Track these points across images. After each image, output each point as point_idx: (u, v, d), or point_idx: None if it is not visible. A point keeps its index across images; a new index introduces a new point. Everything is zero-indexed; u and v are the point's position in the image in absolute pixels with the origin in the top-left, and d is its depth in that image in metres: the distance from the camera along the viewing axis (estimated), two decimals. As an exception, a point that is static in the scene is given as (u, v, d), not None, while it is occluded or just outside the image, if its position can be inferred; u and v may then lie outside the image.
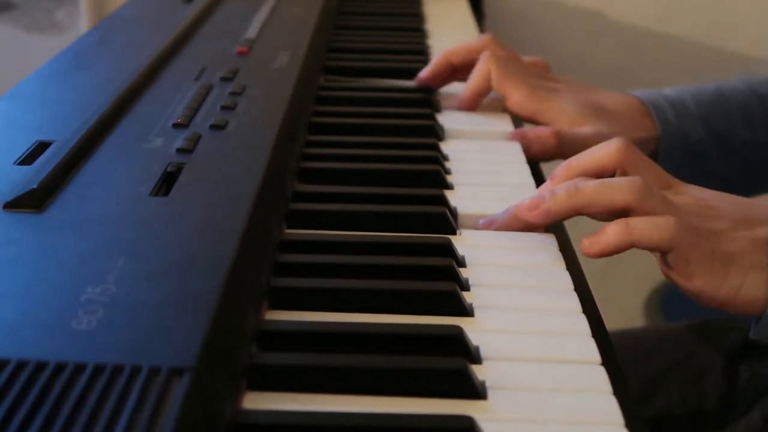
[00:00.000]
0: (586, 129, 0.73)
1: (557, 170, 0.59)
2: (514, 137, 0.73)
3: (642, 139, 0.77)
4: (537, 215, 0.55)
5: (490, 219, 0.58)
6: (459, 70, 0.80)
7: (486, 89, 0.77)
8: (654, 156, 0.77)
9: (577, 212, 0.55)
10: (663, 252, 0.53)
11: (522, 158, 0.70)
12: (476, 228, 0.58)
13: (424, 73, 0.81)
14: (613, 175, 0.58)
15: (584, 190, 0.54)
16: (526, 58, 0.82)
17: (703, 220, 0.55)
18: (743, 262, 0.54)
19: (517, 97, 0.75)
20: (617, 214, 0.54)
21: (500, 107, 0.80)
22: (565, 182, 0.56)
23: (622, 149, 0.58)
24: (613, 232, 0.52)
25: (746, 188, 0.83)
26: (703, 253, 0.53)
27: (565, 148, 0.72)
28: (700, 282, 0.53)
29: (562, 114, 0.75)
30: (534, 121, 0.76)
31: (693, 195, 0.58)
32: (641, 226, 0.52)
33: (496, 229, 0.57)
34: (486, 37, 0.80)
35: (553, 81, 0.80)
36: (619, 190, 0.54)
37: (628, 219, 0.53)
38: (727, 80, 0.85)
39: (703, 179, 0.79)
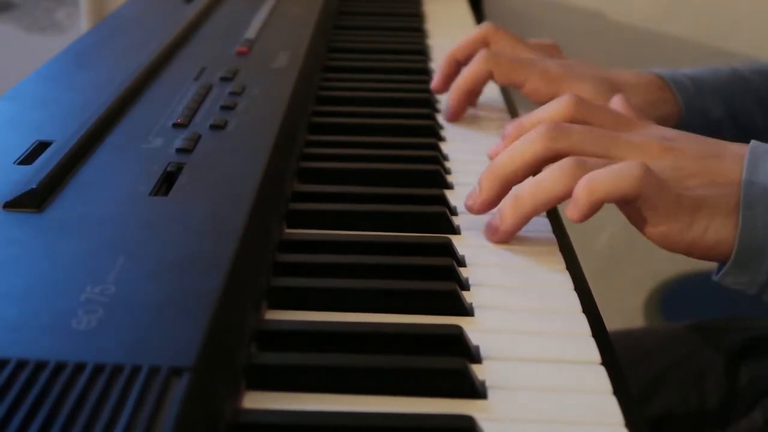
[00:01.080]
0: None
1: (508, 128, 0.60)
2: (511, 130, 0.72)
3: (662, 115, 0.75)
4: (500, 238, 0.56)
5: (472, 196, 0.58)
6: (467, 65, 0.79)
7: (478, 87, 0.75)
8: None
9: (529, 218, 0.55)
10: (630, 201, 0.52)
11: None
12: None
13: (436, 82, 0.79)
14: None
15: (523, 197, 0.54)
16: (534, 40, 0.81)
17: (669, 162, 0.54)
18: (710, 205, 0.52)
19: (530, 85, 0.73)
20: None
21: (500, 107, 0.80)
22: (504, 199, 0.56)
23: (572, 102, 0.58)
24: (578, 194, 0.51)
25: None
26: (670, 199, 0.52)
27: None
28: (665, 228, 0.52)
29: (578, 92, 0.73)
30: None
31: (657, 135, 0.57)
32: (604, 180, 0.51)
33: (481, 207, 0.58)
34: (486, 26, 0.79)
35: (563, 59, 0.78)
36: (552, 182, 0.53)
37: (591, 175, 0.52)
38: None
39: None
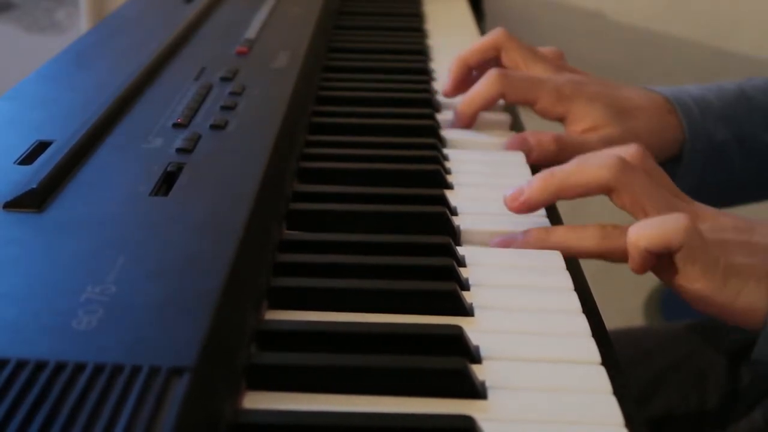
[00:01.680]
0: (593, 136, 0.72)
1: (540, 176, 0.59)
2: (514, 143, 0.71)
3: (667, 139, 0.76)
4: (518, 206, 0.56)
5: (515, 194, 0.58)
6: (478, 70, 0.78)
7: (486, 107, 0.74)
8: (676, 158, 0.76)
9: (558, 196, 0.56)
10: (672, 251, 0.52)
11: (522, 158, 0.70)
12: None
13: (448, 86, 0.79)
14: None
15: (556, 173, 0.56)
16: (541, 49, 0.81)
17: (707, 227, 0.55)
18: (743, 272, 0.53)
19: (541, 104, 0.73)
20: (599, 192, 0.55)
21: (500, 106, 0.80)
22: (539, 173, 0.57)
23: (639, 156, 0.58)
24: (629, 243, 0.53)
25: (759, 194, 0.82)
26: (710, 257, 0.53)
27: (567, 153, 0.71)
28: (700, 285, 0.53)
29: (588, 116, 0.73)
30: (561, 122, 0.75)
31: (698, 212, 0.58)
32: (650, 226, 0.52)
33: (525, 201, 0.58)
34: (498, 32, 0.78)
35: (571, 71, 0.78)
36: (596, 171, 0.55)
37: (638, 224, 0.53)
38: (737, 79, 0.84)
39: (721, 184, 0.78)
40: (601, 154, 0.58)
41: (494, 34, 0.78)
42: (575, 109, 0.73)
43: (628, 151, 0.59)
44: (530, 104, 0.74)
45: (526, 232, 0.56)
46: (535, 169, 0.68)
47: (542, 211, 0.59)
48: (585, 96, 0.73)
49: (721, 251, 0.54)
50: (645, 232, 0.52)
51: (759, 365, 0.55)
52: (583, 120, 0.73)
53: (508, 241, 0.56)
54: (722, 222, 0.57)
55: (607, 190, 0.56)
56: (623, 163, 0.56)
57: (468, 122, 0.75)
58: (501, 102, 0.81)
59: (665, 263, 0.53)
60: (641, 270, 0.53)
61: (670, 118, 0.76)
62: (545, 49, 0.81)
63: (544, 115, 0.74)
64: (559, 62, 0.79)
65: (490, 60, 0.77)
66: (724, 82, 0.83)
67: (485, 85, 0.73)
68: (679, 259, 0.52)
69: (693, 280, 0.53)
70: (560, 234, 0.56)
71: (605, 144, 0.72)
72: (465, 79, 0.78)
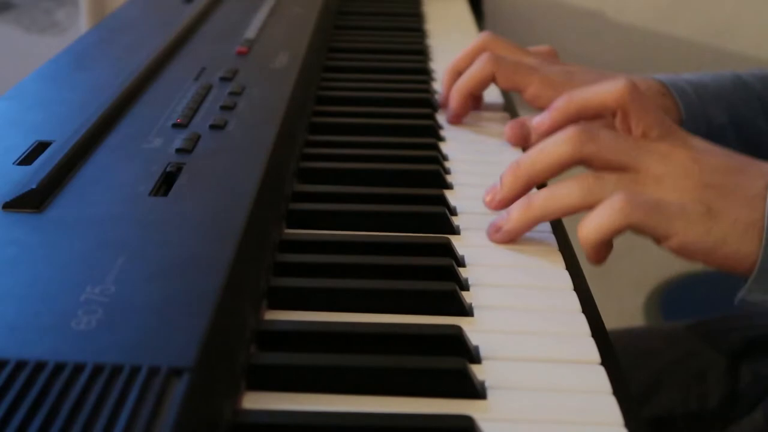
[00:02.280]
0: None
1: (557, 102, 0.60)
2: (512, 127, 0.71)
3: None
4: (499, 238, 0.57)
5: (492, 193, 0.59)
6: None
7: (480, 90, 0.75)
8: None
9: (535, 224, 0.56)
10: (630, 230, 0.53)
11: (522, 158, 0.70)
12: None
13: (442, 96, 0.79)
14: (614, 116, 0.59)
15: (534, 204, 0.55)
16: (532, 48, 0.81)
17: (691, 172, 0.55)
18: (729, 214, 0.53)
19: (532, 89, 0.73)
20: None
21: (500, 107, 0.80)
22: (517, 201, 0.57)
23: (628, 89, 0.58)
24: (581, 242, 0.54)
25: None
26: (670, 213, 0.52)
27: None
28: (677, 239, 0.52)
29: None
30: None
31: (689, 145, 0.57)
32: (592, 224, 0.53)
33: (501, 202, 0.58)
34: (484, 35, 0.79)
35: (564, 65, 0.78)
36: (567, 194, 0.54)
37: (582, 224, 0.53)
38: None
39: None
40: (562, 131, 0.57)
41: (481, 38, 0.79)
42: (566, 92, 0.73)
43: (614, 90, 0.59)
44: (521, 90, 0.74)
45: (508, 216, 0.56)
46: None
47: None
48: (576, 82, 0.74)
49: (699, 197, 0.53)
50: (588, 230, 0.53)
51: (744, 304, 0.55)
52: None
53: (497, 226, 0.57)
54: (710, 161, 0.56)
55: (577, 163, 0.56)
56: (581, 132, 0.55)
57: (461, 106, 0.75)
58: (501, 105, 0.81)
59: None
60: (597, 262, 0.54)
61: (665, 101, 0.76)
62: (539, 48, 0.81)
63: (535, 101, 0.74)
64: (551, 59, 0.80)
65: None
66: (720, 71, 0.83)
67: (478, 65, 0.74)
68: (641, 232, 0.53)
69: (666, 238, 0.53)
70: (540, 203, 0.56)
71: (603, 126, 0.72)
72: None
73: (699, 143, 0.58)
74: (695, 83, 0.78)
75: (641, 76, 0.78)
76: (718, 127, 0.77)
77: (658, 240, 0.53)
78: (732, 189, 0.54)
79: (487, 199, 0.58)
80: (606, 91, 0.59)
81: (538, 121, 0.62)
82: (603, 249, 0.54)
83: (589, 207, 0.54)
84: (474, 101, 0.77)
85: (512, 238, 0.56)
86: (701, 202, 0.53)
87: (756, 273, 0.52)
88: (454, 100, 0.75)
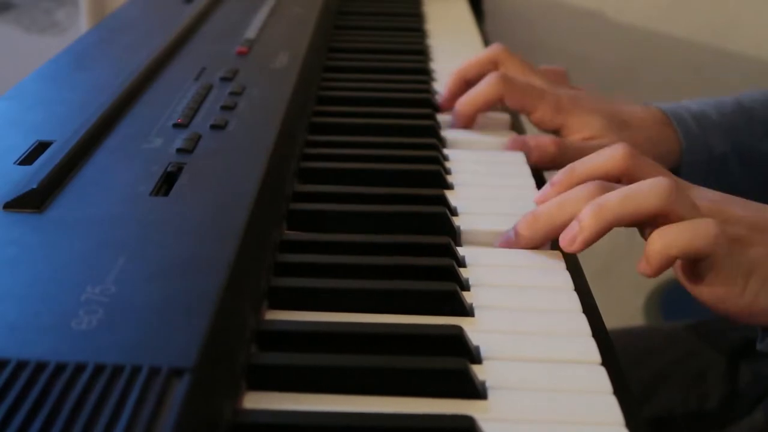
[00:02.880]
0: (594, 143, 0.72)
1: (559, 175, 0.58)
2: (513, 145, 0.71)
3: (665, 151, 0.76)
4: (577, 247, 0.53)
5: (505, 245, 0.56)
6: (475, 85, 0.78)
7: (485, 108, 0.75)
8: (676, 170, 0.76)
9: (610, 229, 0.52)
10: (700, 259, 0.51)
11: (522, 158, 0.70)
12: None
13: (443, 99, 0.79)
14: (619, 182, 0.56)
15: (609, 206, 0.52)
16: (543, 67, 0.81)
17: (723, 224, 0.53)
18: (762, 271, 0.52)
19: (540, 113, 0.74)
20: (647, 221, 0.52)
21: (500, 108, 0.80)
22: (588, 204, 0.53)
23: (628, 154, 0.57)
24: (651, 250, 0.51)
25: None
26: (731, 260, 0.51)
27: (566, 157, 0.71)
28: (721, 290, 0.52)
29: (587, 127, 0.73)
30: (557, 134, 0.75)
31: (707, 197, 0.57)
32: (680, 234, 0.50)
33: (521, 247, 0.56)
34: (496, 47, 0.78)
35: (572, 89, 0.78)
36: (646, 196, 0.51)
37: (664, 230, 0.51)
38: (733, 82, 0.85)
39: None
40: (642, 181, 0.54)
41: (493, 49, 0.78)
42: (573, 120, 0.73)
43: (615, 158, 0.57)
44: (528, 113, 0.74)
45: (516, 230, 0.55)
46: (534, 170, 0.69)
47: None
48: (583, 108, 0.74)
49: (737, 250, 0.52)
50: (678, 240, 0.50)
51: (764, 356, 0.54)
52: (581, 131, 0.73)
53: (507, 242, 0.56)
54: (733, 212, 0.55)
55: (658, 216, 0.52)
56: (675, 189, 0.52)
57: (467, 122, 0.75)
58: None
59: (683, 264, 0.53)
60: (656, 275, 0.51)
61: (667, 130, 0.77)
62: (549, 67, 0.81)
63: (541, 125, 0.75)
64: (560, 79, 0.80)
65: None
66: (722, 97, 0.83)
67: (486, 85, 0.73)
68: (703, 266, 0.51)
69: (712, 285, 0.52)
70: (546, 216, 0.54)
71: None
72: (460, 93, 0.77)
73: (713, 194, 0.57)
74: (695, 112, 0.78)
75: (643, 104, 0.78)
76: (719, 156, 0.77)
77: (702, 282, 0.52)
78: (758, 241, 0.53)
79: (566, 241, 0.53)
80: (607, 160, 0.57)
81: (541, 196, 0.59)
82: (671, 265, 0.52)
83: (665, 216, 0.51)
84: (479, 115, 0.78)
85: (586, 247, 0.53)
86: (744, 259, 0.52)
87: None
88: (461, 116, 0.75)
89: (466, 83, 0.77)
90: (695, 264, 0.52)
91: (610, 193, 0.52)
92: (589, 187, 0.54)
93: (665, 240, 0.50)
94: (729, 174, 0.78)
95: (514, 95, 0.73)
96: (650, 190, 0.51)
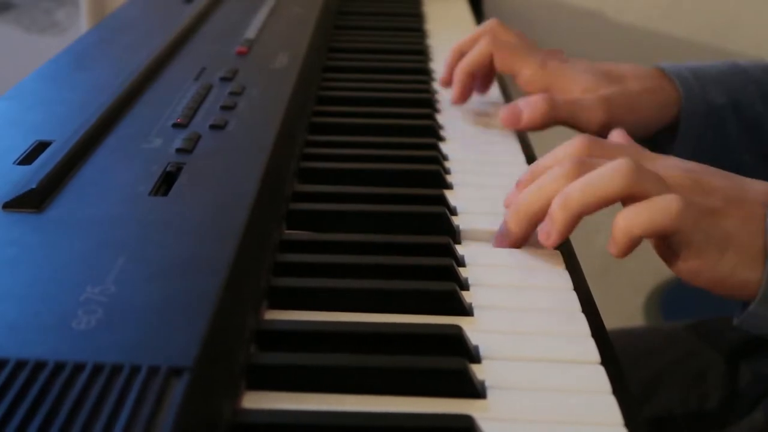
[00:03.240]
0: (589, 95, 0.73)
1: (523, 175, 0.58)
2: (507, 112, 0.72)
3: (663, 102, 0.76)
4: (554, 241, 0.53)
5: (499, 239, 0.56)
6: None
7: (479, 69, 0.77)
8: (674, 124, 0.76)
9: (580, 218, 0.53)
10: (667, 236, 0.51)
11: (522, 158, 0.70)
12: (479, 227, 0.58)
13: (443, 75, 0.81)
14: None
15: (573, 197, 0.52)
16: (541, 49, 0.81)
17: (696, 195, 0.53)
18: (737, 242, 0.51)
19: (527, 72, 0.75)
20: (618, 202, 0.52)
21: (500, 107, 0.80)
22: (556, 197, 0.53)
23: (585, 144, 0.56)
24: (615, 232, 0.50)
25: (756, 171, 0.82)
26: (701, 233, 0.51)
27: (559, 112, 0.71)
28: (695, 264, 0.51)
29: (575, 83, 0.74)
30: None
31: (681, 167, 0.56)
32: (642, 215, 0.50)
33: (514, 243, 0.56)
34: (491, 21, 0.80)
35: (566, 59, 0.79)
36: (607, 181, 0.51)
37: (627, 210, 0.50)
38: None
39: (718, 153, 0.78)
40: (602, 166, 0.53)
41: (487, 23, 0.80)
42: (562, 80, 0.74)
43: (574, 148, 0.56)
44: (515, 73, 0.76)
45: (506, 226, 0.55)
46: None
47: None
48: (572, 68, 0.75)
49: (712, 221, 0.52)
50: (638, 220, 0.50)
51: (743, 329, 0.53)
52: (572, 89, 0.74)
53: (501, 240, 0.56)
54: (710, 183, 0.54)
55: (622, 194, 0.51)
56: (637, 169, 0.51)
57: (462, 82, 0.77)
58: (501, 105, 0.81)
59: (658, 242, 0.52)
60: (623, 255, 0.51)
61: (663, 82, 0.77)
62: (545, 50, 0.82)
63: (528, 86, 0.75)
64: (554, 53, 0.80)
65: None
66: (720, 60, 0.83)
67: (477, 46, 0.77)
68: (674, 242, 0.51)
69: (686, 260, 0.51)
70: (524, 207, 0.54)
71: (602, 103, 0.72)
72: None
73: (689, 164, 0.57)
74: (694, 68, 0.79)
75: (638, 65, 0.79)
76: (717, 108, 0.77)
77: (676, 258, 0.51)
78: (735, 214, 0.53)
79: (543, 236, 0.54)
80: (567, 153, 0.55)
81: (507, 199, 0.59)
82: (637, 244, 0.51)
83: (630, 197, 0.51)
84: (478, 82, 0.79)
85: (562, 240, 0.53)
86: (718, 231, 0.52)
87: (759, 298, 0.51)
88: (455, 80, 0.78)
89: (462, 57, 0.79)
90: (667, 240, 0.51)
91: (573, 184, 0.52)
92: (564, 165, 0.53)
93: (627, 220, 0.50)
94: (726, 130, 0.78)
95: (502, 54, 0.75)
96: (611, 174, 0.51)
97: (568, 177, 0.53)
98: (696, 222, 0.51)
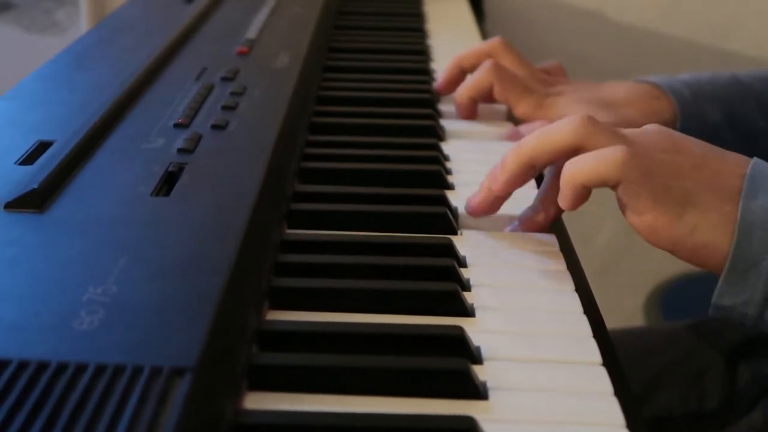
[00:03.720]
0: None
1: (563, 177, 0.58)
2: (508, 137, 0.74)
3: (660, 122, 0.76)
4: (500, 186, 0.56)
5: (471, 203, 0.58)
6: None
7: (481, 96, 0.76)
8: None
9: (531, 167, 0.55)
10: (612, 186, 0.51)
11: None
12: (473, 217, 0.59)
13: (439, 84, 0.81)
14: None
15: (526, 144, 0.54)
16: (539, 66, 0.82)
17: (664, 153, 0.53)
18: (702, 203, 0.51)
19: (522, 108, 0.75)
20: (569, 156, 0.53)
21: (499, 108, 0.80)
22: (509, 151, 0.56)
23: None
24: (561, 182, 0.52)
25: None
26: (656, 186, 0.51)
27: None
28: (650, 217, 0.51)
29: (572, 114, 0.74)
30: None
31: (660, 131, 0.56)
32: (585, 165, 0.51)
33: (477, 208, 0.58)
34: (496, 40, 0.80)
35: (562, 86, 0.79)
36: (559, 132, 0.53)
37: (573, 160, 0.52)
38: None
39: None
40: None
41: (491, 41, 0.80)
42: (555, 114, 0.74)
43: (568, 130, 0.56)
44: (512, 106, 0.76)
45: (503, 165, 0.56)
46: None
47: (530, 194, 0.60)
48: (565, 101, 0.75)
49: (674, 177, 0.52)
50: (582, 168, 0.51)
51: (719, 310, 0.52)
52: None
53: (493, 179, 0.57)
54: (687, 147, 0.54)
55: (573, 147, 0.53)
56: (589, 122, 0.53)
57: (466, 111, 0.77)
58: (501, 105, 0.81)
59: (617, 194, 0.52)
60: (571, 207, 0.53)
61: (660, 103, 0.77)
62: (546, 64, 0.82)
63: (524, 119, 0.76)
64: (556, 72, 0.80)
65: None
66: (719, 71, 0.83)
67: (479, 72, 0.76)
68: (622, 193, 0.51)
69: (640, 212, 0.51)
70: (531, 144, 0.55)
71: None
72: (456, 80, 0.80)
73: (672, 132, 0.56)
74: (690, 82, 0.79)
75: (635, 80, 0.79)
76: (712, 125, 0.78)
77: (630, 211, 0.51)
78: (705, 177, 0.52)
79: (489, 181, 0.57)
80: (562, 130, 0.55)
81: (493, 174, 0.59)
82: (585, 195, 0.52)
83: (581, 148, 0.53)
84: (478, 103, 0.78)
85: (511, 187, 0.56)
86: (679, 187, 0.51)
87: (726, 270, 0.50)
88: (458, 107, 0.77)
89: (462, 71, 0.80)
90: (617, 192, 0.52)
91: (528, 135, 0.55)
92: (571, 120, 0.54)
93: (571, 169, 0.52)
94: (722, 143, 0.78)
95: (502, 85, 0.75)
96: (564, 126, 0.53)
97: (576, 129, 0.53)
98: (647, 173, 0.51)
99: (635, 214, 0.51)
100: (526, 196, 0.60)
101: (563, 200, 0.53)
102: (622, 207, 0.52)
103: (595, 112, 0.73)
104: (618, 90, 0.78)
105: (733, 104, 0.79)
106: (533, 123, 0.73)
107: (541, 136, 0.54)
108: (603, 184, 0.51)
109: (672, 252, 0.52)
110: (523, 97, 0.75)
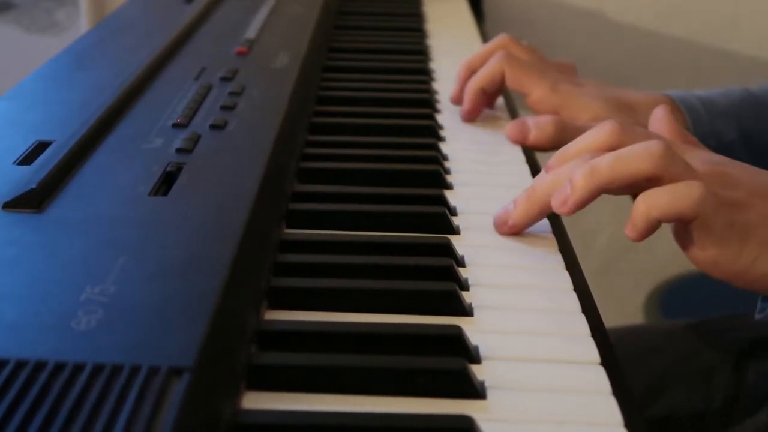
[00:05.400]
0: (597, 123, 0.72)
1: (552, 159, 0.57)
2: (514, 126, 0.72)
3: None
4: (569, 209, 0.52)
5: (502, 217, 0.57)
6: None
7: (491, 86, 0.75)
8: None
9: (601, 192, 0.52)
10: (686, 222, 0.51)
11: (522, 158, 0.70)
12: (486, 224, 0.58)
13: (454, 92, 0.79)
14: None
15: (600, 168, 0.51)
16: (553, 60, 0.81)
17: (721, 187, 0.53)
18: (760, 235, 0.51)
19: (538, 92, 0.74)
20: (640, 186, 0.51)
21: (500, 107, 0.80)
22: (580, 167, 0.52)
23: (617, 131, 0.55)
24: (635, 213, 0.50)
25: None
26: (722, 223, 0.51)
27: (566, 137, 0.70)
28: (714, 253, 0.51)
29: (586, 109, 0.73)
30: None
31: (707, 160, 0.56)
32: (662, 198, 0.50)
33: (513, 226, 0.56)
34: (502, 36, 0.79)
35: (576, 79, 0.78)
36: (637, 159, 0.51)
37: (649, 192, 0.50)
38: (733, 82, 0.84)
39: None
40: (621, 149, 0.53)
41: (498, 39, 0.79)
42: (571, 103, 0.73)
43: (604, 134, 0.55)
44: (526, 93, 0.75)
45: (572, 186, 0.52)
46: (533, 167, 0.69)
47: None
48: (583, 93, 0.74)
49: (734, 213, 0.51)
50: (658, 202, 0.50)
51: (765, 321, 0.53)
52: (581, 114, 0.73)
53: (502, 216, 0.56)
54: (735, 175, 0.54)
55: (652, 179, 0.51)
56: (668, 151, 0.51)
57: (473, 98, 0.75)
58: (501, 105, 0.81)
59: (679, 228, 0.52)
60: (641, 239, 0.51)
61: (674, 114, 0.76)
62: (557, 61, 0.81)
63: (537, 106, 0.74)
64: (567, 71, 0.80)
65: None
66: (731, 86, 0.82)
67: (489, 63, 0.75)
68: (693, 229, 0.51)
69: (705, 248, 0.51)
70: (541, 189, 0.54)
71: None
72: None
73: (716, 156, 0.57)
74: (704, 99, 0.78)
75: (651, 92, 0.78)
76: (727, 143, 0.77)
77: (695, 247, 0.51)
78: (759, 206, 0.52)
79: (557, 202, 0.53)
80: (595, 138, 0.55)
81: (566, 187, 0.55)
82: (657, 228, 0.51)
83: (659, 179, 0.51)
84: (487, 99, 0.77)
85: (577, 209, 0.52)
86: (740, 222, 0.51)
87: None
88: (466, 97, 0.76)
89: (474, 73, 0.78)
90: (687, 227, 0.51)
91: (602, 156, 0.52)
92: (584, 158, 0.53)
93: (648, 202, 0.50)
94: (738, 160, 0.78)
95: (513, 72, 0.74)
96: (642, 152, 0.51)
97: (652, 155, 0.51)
98: (717, 211, 0.50)
99: (700, 249, 0.51)
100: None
101: (634, 231, 0.51)
102: (685, 241, 0.52)
103: (614, 113, 0.72)
104: (637, 96, 0.77)
105: (747, 120, 0.78)
106: (542, 117, 0.71)
107: (618, 161, 0.51)
108: (678, 220, 0.51)
109: (730, 282, 0.52)
110: (537, 82, 0.73)
